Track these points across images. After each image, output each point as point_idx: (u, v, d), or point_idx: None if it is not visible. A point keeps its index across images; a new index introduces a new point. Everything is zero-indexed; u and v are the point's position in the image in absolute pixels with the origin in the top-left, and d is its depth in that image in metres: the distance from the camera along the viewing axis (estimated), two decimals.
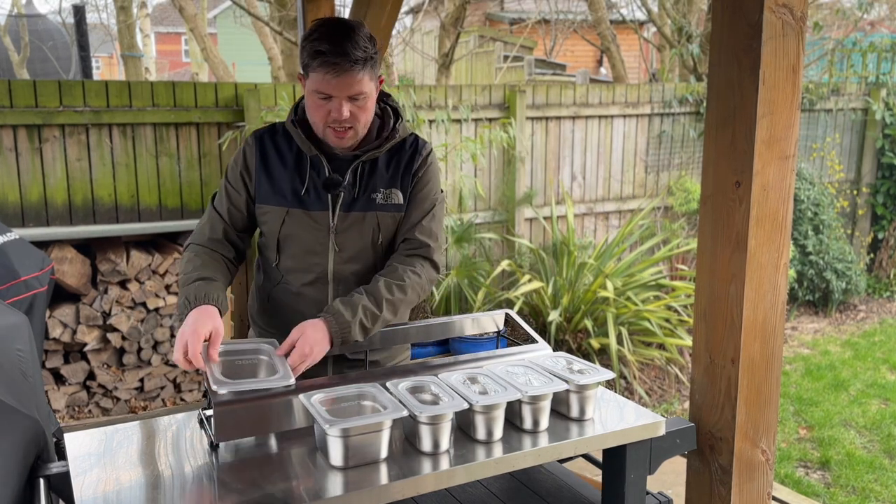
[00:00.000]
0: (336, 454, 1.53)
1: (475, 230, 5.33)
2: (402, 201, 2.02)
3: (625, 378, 4.79)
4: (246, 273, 4.87)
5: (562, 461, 1.98)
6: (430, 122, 5.17)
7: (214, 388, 1.59)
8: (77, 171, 4.38)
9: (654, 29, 11.13)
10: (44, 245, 3.97)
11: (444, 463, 1.57)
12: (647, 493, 1.85)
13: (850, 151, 7.44)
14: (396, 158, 2.04)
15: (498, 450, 1.63)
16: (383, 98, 2.08)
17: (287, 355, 1.78)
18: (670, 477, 3.23)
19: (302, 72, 1.91)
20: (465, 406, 1.61)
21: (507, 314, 2.20)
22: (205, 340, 1.72)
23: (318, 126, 1.92)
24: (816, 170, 7.09)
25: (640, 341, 4.92)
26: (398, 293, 1.93)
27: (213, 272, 1.92)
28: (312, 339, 1.80)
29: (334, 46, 1.80)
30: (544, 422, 1.72)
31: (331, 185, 1.96)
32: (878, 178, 7.50)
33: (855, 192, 7.45)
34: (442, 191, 2.13)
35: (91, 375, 4.21)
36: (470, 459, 1.58)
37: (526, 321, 4.43)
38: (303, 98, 2.03)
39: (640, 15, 11.75)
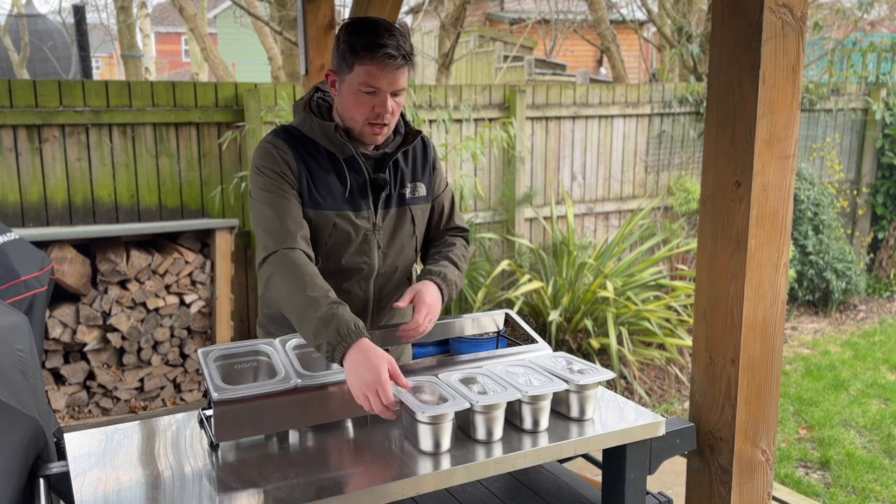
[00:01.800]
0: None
1: (475, 230, 5.33)
2: (425, 193, 2.10)
3: (625, 378, 4.79)
4: (246, 273, 4.86)
5: (562, 461, 1.98)
6: (431, 121, 5.17)
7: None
8: (77, 171, 4.38)
9: (654, 29, 11.12)
10: (44, 245, 3.97)
11: (445, 463, 1.57)
12: (647, 493, 1.85)
13: (850, 151, 7.43)
14: (411, 153, 2.09)
15: (498, 450, 1.63)
16: None
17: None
18: (670, 477, 3.23)
19: (341, 68, 1.86)
20: (466, 406, 1.61)
21: (506, 314, 2.20)
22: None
23: (358, 122, 1.90)
24: (816, 170, 7.08)
25: (640, 341, 4.91)
26: (464, 263, 2.12)
27: (328, 288, 1.76)
28: (431, 296, 1.88)
29: (390, 41, 1.80)
30: (544, 422, 1.72)
31: (381, 185, 1.99)
32: (878, 178, 7.50)
33: (855, 192, 7.44)
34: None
35: (91, 375, 4.21)
36: (470, 459, 1.58)
37: (526, 321, 4.43)
38: (311, 100, 2.02)
39: (640, 15, 11.74)
